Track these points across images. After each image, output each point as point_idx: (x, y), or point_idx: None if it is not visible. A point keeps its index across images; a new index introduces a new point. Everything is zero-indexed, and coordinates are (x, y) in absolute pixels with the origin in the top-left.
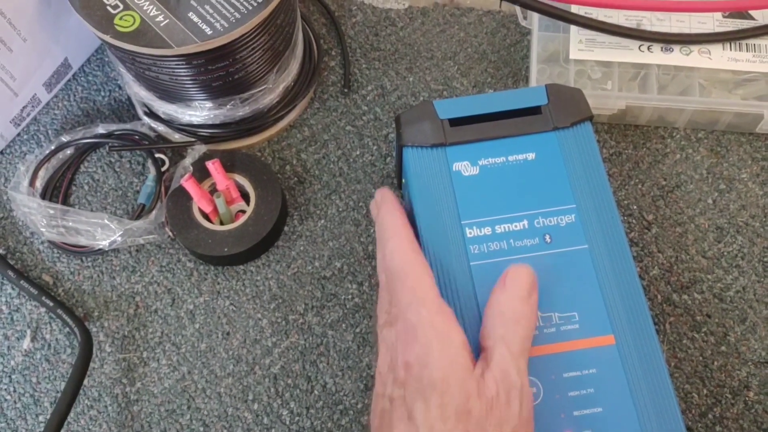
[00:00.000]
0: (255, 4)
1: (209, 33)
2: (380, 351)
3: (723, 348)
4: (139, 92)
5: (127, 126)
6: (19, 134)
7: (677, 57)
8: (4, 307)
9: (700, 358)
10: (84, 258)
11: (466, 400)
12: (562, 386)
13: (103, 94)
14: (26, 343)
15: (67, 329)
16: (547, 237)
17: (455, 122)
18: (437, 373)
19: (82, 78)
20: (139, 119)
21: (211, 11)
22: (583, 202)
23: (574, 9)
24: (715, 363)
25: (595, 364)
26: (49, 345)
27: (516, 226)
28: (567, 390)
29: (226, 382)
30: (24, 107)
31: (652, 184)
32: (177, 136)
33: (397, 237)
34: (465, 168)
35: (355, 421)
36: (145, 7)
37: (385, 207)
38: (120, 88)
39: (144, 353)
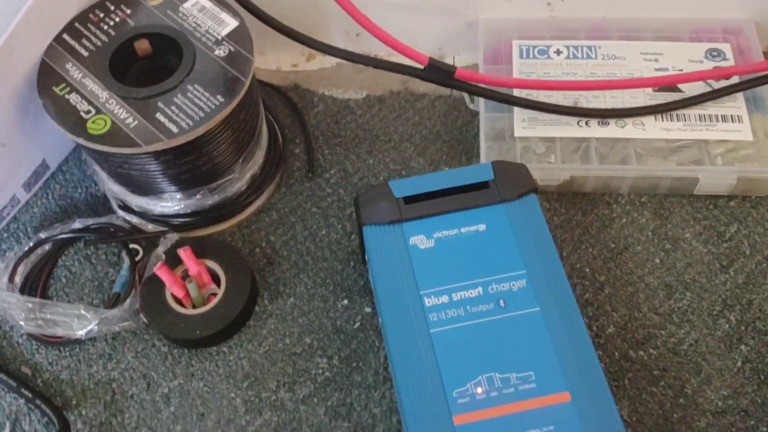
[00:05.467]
0: (218, 103)
1: (175, 131)
2: None
3: (681, 400)
4: (113, 188)
5: (103, 219)
6: None
7: (614, 129)
8: None
9: (660, 412)
10: (62, 348)
11: None
12: None
13: (80, 190)
14: None
15: (46, 419)
16: (501, 302)
17: (410, 200)
18: None
19: (59, 176)
20: (114, 213)
21: (177, 111)
22: (532, 267)
23: (516, 92)
24: (675, 415)
25: (553, 422)
26: None
27: (471, 293)
28: None
29: None
30: (4, 207)
31: (602, 247)
32: (150, 227)
33: None
34: (421, 241)
35: None
36: (115, 111)
37: None
38: (96, 184)
39: None
